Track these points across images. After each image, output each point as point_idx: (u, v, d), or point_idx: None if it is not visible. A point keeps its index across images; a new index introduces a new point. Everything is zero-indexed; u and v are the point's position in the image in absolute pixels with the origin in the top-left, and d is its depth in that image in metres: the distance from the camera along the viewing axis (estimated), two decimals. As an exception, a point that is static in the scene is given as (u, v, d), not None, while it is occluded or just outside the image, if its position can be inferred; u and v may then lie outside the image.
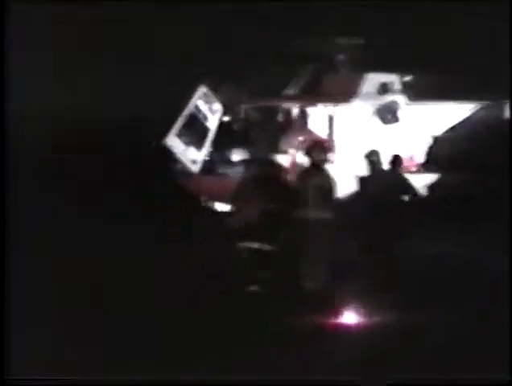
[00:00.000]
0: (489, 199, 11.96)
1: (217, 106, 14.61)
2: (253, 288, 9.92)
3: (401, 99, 14.33)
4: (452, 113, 14.03)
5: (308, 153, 10.82)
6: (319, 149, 10.81)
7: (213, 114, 14.51)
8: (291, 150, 14.28)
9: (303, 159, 12.99)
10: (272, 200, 10.20)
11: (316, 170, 10.53)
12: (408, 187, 11.49)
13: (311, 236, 10.02)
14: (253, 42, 15.62)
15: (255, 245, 10.11)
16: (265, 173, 10.89)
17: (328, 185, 10.35)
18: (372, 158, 11.60)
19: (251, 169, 12.10)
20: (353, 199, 11.24)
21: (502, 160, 12.61)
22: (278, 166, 11.76)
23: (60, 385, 7.15)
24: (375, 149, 11.88)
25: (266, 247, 10.06)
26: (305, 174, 10.72)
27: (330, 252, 10.00)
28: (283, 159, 13.53)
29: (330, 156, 10.74)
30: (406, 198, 11.25)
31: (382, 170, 11.64)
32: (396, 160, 11.71)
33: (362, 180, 11.56)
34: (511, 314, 8.29)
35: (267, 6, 14.54)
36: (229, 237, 10.32)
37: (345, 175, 11.95)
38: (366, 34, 14.74)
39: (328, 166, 10.79)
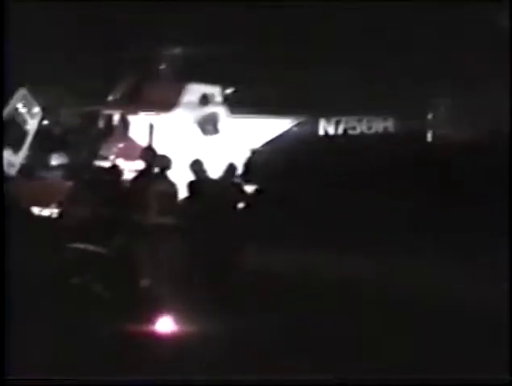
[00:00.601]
0: (307, 207, 12.55)
1: (37, 110, 14.38)
2: (82, 286, 9.82)
3: (221, 111, 14.66)
4: (269, 127, 14.53)
5: (146, 159, 10.97)
6: (157, 155, 11.01)
7: (33, 118, 14.26)
8: (111, 156, 14.28)
9: (124, 166, 13.03)
10: (106, 204, 10.19)
11: (157, 176, 10.71)
12: (240, 195, 11.69)
13: (148, 241, 10.11)
14: (77, 45, 15.53)
15: (86, 247, 10.04)
16: (98, 177, 10.88)
17: (168, 191, 10.50)
18: (195, 167, 11.73)
19: (85, 173, 12.04)
20: (188, 205, 11.31)
21: (315, 173, 13.32)
22: (111, 171, 11.71)
23: (60, 385, 7.04)
24: (198, 158, 12.05)
25: (99, 249, 10.01)
26: (146, 179, 10.80)
27: (168, 258, 10.10)
28: (104, 165, 13.49)
29: (170, 163, 10.83)
30: (239, 205, 11.46)
31: (211, 179, 11.75)
32: (230, 168, 11.80)
33: (193, 188, 11.59)
34: (511, 314, 8.58)
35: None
36: (58, 239, 10.21)
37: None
38: (190, 44, 14.97)
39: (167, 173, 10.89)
